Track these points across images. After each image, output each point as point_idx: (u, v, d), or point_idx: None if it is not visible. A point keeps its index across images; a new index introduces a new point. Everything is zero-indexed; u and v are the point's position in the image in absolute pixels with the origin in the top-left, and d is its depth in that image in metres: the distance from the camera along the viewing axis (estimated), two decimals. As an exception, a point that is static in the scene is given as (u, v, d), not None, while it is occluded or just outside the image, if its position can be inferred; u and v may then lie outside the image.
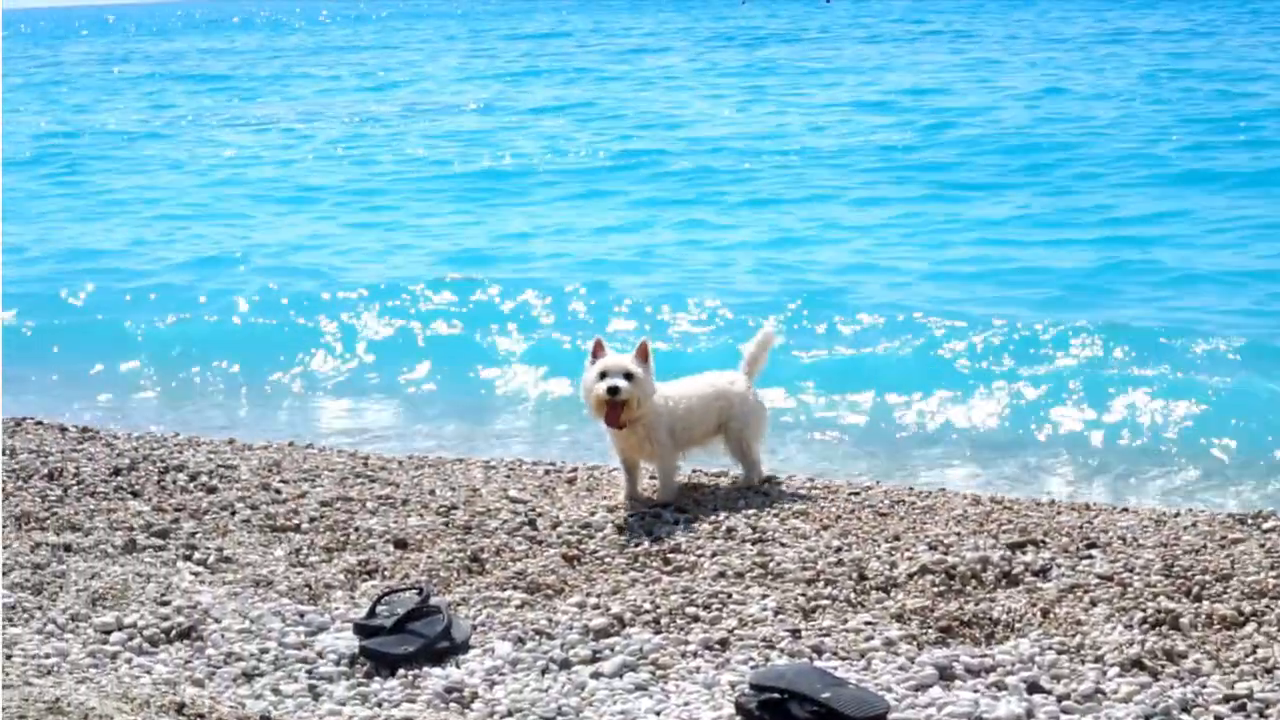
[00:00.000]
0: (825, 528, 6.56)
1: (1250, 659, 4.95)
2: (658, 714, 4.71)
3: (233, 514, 6.86)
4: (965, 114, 24.37)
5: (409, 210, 19.07)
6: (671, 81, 33.22)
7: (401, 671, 5.10)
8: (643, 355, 6.87)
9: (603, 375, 6.81)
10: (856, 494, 7.19)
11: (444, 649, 5.24)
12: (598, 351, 6.88)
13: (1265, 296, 12.35)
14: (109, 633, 5.39)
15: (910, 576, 5.83)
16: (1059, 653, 5.07)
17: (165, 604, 5.63)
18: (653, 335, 6.92)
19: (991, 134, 21.94)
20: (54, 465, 7.66)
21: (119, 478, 7.46)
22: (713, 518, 6.71)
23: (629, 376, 6.79)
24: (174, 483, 7.39)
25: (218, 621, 5.49)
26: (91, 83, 42.06)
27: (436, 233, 17.39)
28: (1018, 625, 5.35)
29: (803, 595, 5.69)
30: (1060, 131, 21.84)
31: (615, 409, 6.82)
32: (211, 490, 7.26)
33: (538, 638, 5.34)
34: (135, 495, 7.20)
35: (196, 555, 6.29)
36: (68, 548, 6.31)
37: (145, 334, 12.34)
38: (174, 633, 5.41)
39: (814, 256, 14.90)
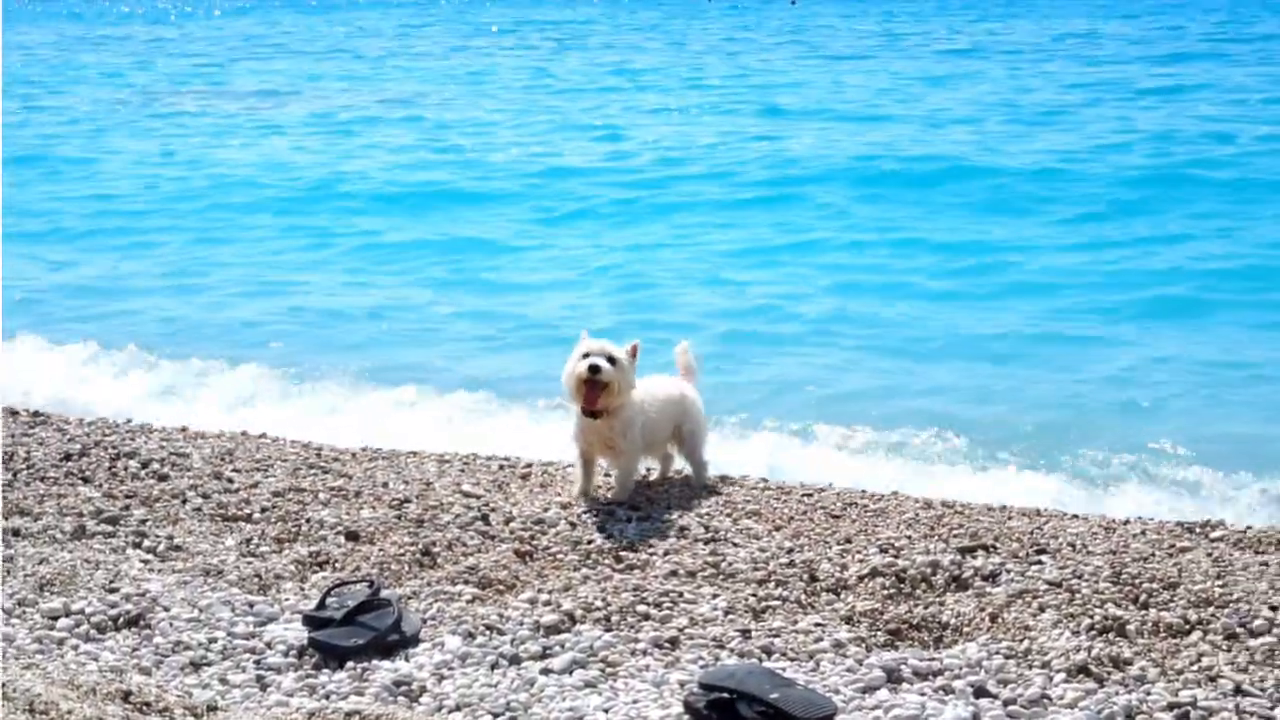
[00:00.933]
0: (778, 529, 6.58)
1: (1195, 667, 5.00)
2: (606, 711, 4.71)
3: (184, 502, 6.83)
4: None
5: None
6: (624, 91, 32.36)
7: (350, 664, 5.09)
8: (632, 353, 6.85)
9: (585, 356, 6.78)
10: (809, 495, 7.22)
11: (394, 642, 5.23)
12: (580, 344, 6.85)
13: (1220, 308, 12.47)
14: (56, 619, 5.35)
15: (861, 579, 5.86)
16: (1006, 657, 5.10)
17: (114, 591, 5.60)
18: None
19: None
20: (4, 449, 7.59)
21: (70, 463, 7.42)
22: (666, 516, 6.72)
23: (612, 361, 6.75)
24: (125, 469, 7.34)
25: (166, 610, 5.46)
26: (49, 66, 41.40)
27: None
28: (966, 629, 5.38)
29: (754, 595, 5.71)
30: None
31: (594, 390, 6.75)
32: (163, 478, 7.22)
33: (488, 633, 5.34)
34: (86, 481, 7.16)
35: (146, 543, 6.25)
36: (16, 532, 6.27)
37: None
38: (122, 620, 5.38)
39: (753, 272, 14.69)
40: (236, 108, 30.17)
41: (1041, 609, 5.53)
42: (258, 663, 5.11)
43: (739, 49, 43.12)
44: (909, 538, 6.39)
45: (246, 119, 28.12)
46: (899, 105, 27.30)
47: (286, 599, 5.67)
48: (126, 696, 4.65)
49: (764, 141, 22.70)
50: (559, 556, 6.20)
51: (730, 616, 5.51)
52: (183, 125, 27.40)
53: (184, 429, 8.66)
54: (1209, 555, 6.15)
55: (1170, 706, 4.72)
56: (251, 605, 5.56)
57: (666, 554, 6.22)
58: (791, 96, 29.08)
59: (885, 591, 5.75)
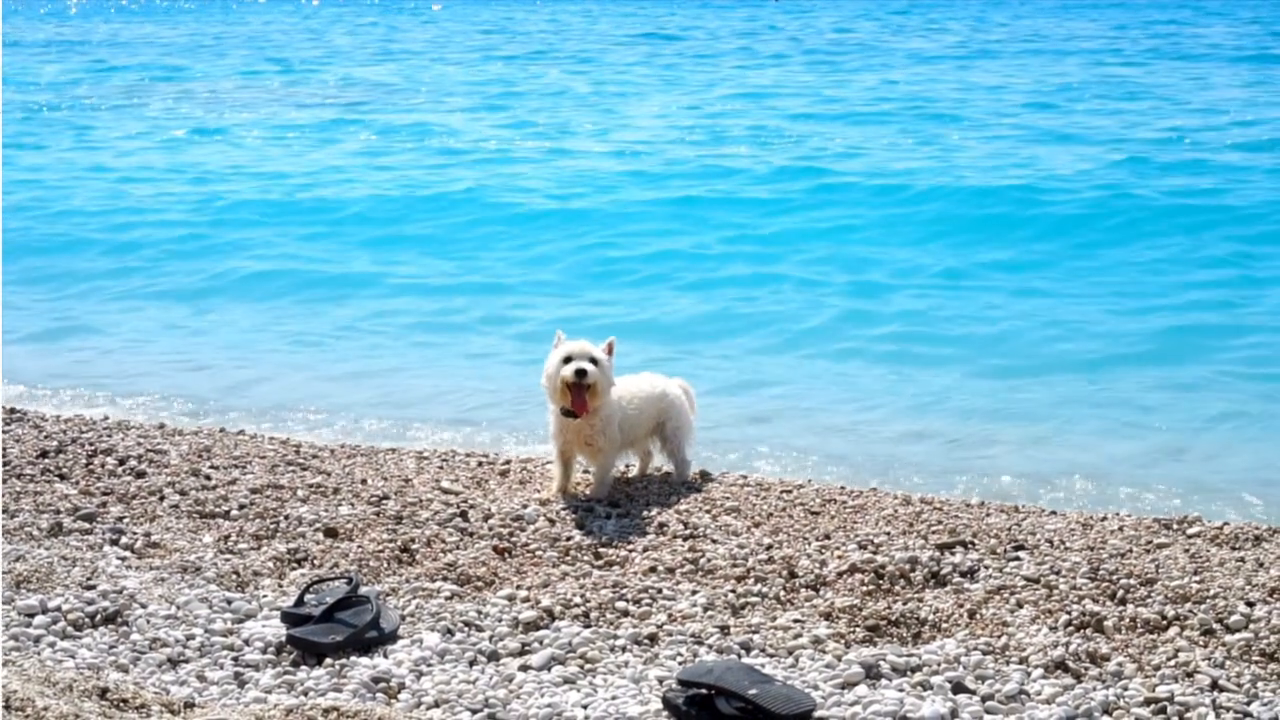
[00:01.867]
0: (756, 525, 6.59)
1: (1172, 662, 5.02)
2: (585, 707, 4.71)
3: (161, 499, 6.81)
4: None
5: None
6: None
7: (328, 660, 5.08)
8: (608, 350, 6.86)
9: (568, 360, 6.77)
10: (788, 492, 7.23)
11: (372, 639, 5.22)
12: (559, 345, 6.85)
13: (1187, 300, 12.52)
14: (32, 616, 5.33)
15: (840, 575, 5.86)
16: (984, 653, 5.11)
17: (90, 588, 5.58)
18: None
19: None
20: (-20, 446, 7.56)
21: (46, 460, 7.39)
22: (645, 513, 6.72)
23: (594, 362, 6.76)
24: (102, 466, 7.32)
25: (144, 607, 5.44)
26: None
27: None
28: (944, 625, 5.40)
29: (732, 592, 5.71)
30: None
31: (582, 393, 6.77)
32: (140, 475, 7.20)
33: (467, 629, 5.33)
34: (62, 478, 7.13)
35: (123, 540, 6.23)
36: (-8, 530, 6.25)
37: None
38: (99, 617, 5.35)
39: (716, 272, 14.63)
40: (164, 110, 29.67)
41: (1019, 605, 5.54)
42: (236, 660, 5.09)
43: (720, 48, 43.15)
44: (888, 534, 6.41)
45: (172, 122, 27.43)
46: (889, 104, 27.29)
47: (265, 596, 5.66)
48: (103, 693, 4.63)
49: (755, 148, 22.63)
50: (538, 553, 6.19)
51: (709, 613, 5.51)
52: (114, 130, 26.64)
53: (161, 426, 8.64)
54: (1186, 551, 6.18)
55: (1147, 702, 4.74)
56: (229, 602, 5.54)
57: (645, 550, 6.22)
58: (780, 101, 29.07)
59: (864, 588, 5.76)
